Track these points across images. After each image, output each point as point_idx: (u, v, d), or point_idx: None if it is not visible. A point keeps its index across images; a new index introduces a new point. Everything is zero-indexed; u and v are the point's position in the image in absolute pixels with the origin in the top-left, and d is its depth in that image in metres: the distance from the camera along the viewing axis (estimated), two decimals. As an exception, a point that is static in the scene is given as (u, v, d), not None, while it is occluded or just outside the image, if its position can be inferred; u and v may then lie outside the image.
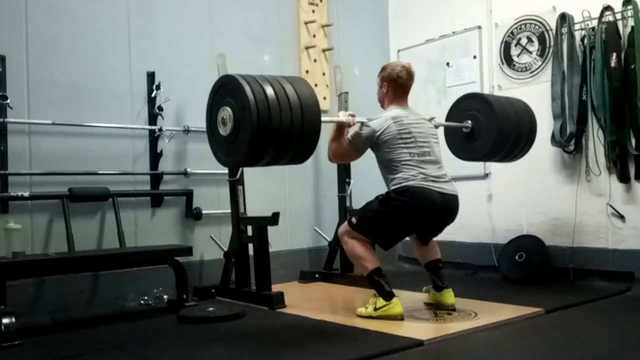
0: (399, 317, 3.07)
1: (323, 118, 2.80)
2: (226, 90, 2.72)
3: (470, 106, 3.69)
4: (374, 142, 3.17)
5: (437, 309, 3.29)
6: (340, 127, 3.21)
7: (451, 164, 4.73)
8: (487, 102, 3.63)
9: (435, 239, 3.46)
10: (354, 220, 3.20)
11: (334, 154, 3.31)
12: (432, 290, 3.39)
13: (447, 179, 3.21)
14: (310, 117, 2.66)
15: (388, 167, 3.17)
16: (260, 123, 2.53)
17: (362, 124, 3.20)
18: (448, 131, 3.80)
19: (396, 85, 3.30)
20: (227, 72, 3.91)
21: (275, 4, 4.79)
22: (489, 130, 3.57)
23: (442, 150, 3.42)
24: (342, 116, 3.21)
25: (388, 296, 3.09)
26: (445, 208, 3.17)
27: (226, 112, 2.67)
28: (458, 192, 3.25)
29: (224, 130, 2.69)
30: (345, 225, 3.28)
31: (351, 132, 3.21)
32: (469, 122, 3.66)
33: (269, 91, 2.59)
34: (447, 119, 3.78)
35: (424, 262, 3.39)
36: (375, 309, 3.09)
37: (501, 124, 3.54)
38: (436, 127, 3.43)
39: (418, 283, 3.68)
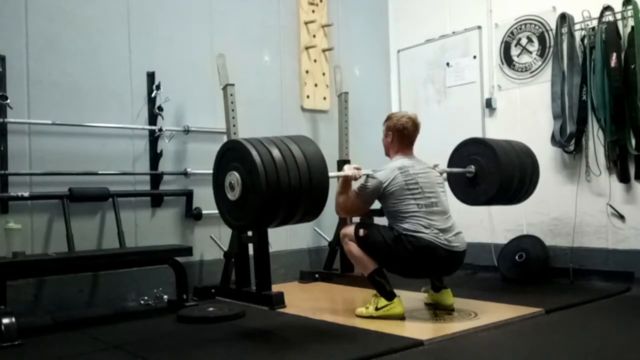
0: (401, 317, 3.07)
1: (330, 174, 2.80)
2: (232, 155, 2.74)
3: (472, 151, 3.73)
4: (381, 193, 3.14)
5: (437, 309, 3.29)
6: (347, 180, 3.19)
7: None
8: (488, 147, 3.65)
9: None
10: (361, 233, 3.15)
11: (342, 208, 3.30)
12: (430, 290, 3.39)
13: (456, 231, 3.17)
14: (318, 176, 2.68)
15: (395, 217, 3.14)
16: (269, 186, 2.54)
17: (368, 176, 3.18)
18: (451, 177, 3.82)
19: (402, 135, 3.29)
20: (227, 73, 3.92)
21: (275, 4, 4.79)
22: (492, 174, 3.60)
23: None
24: (348, 170, 3.17)
25: (389, 296, 3.09)
26: (451, 265, 3.17)
27: (234, 177, 2.68)
28: (466, 244, 3.20)
29: (232, 195, 2.70)
30: (350, 229, 3.23)
31: (357, 184, 3.20)
32: (472, 167, 3.70)
33: (276, 153, 2.61)
34: (449, 164, 3.80)
35: None
36: (377, 309, 3.09)
37: (504, 168, 3.57)
38: (440, 173, 3.42)
39: (418, 283, 3.68)
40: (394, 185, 3.12)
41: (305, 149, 2.70)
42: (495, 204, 3.86)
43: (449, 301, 3.27)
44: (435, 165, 3.43)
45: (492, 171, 3.60)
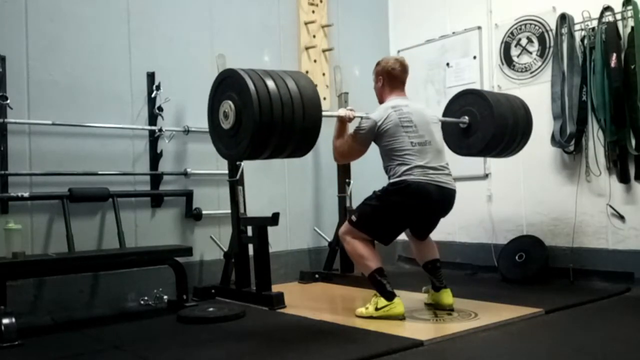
0: (401, 317, 3.07)
1: (323, 113, 2.81)
2: (228, 84, 2.74)
3: (467, 102, 3.71)
4: (376, 133, 3.17)
5: (437, 309, 3.29)
6: (342, 123, 3.24)
7: (451, 164, 4.75)
8: (483, 98, 3.64)
9: (435, 239, 3.46)
10: (353, 218, 3.21)
11: (339, 153, 3.32)
12: (431, 290, 3.39)
13: (446, 171, 3.21)
14: (312, 110, 2.68)
15: (389, 156, 3.17)
16: (262, 117, 2.55)
17: (362, 117, 3.22)
18: (445, 127, 3.81)
19: (391, 76, 3.32)
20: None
21: (275, 4, 4.79)
22: (485, 125, 3.59)
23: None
24: (342, 111, 3.25)
25: (390, 296, 3.09)
26: (441, 202, 3.18)
27: (228, 106, 2.69)
28: (456, 186, 3.25)
29: (225, 124, 2.72)
30: (346, 225, 3.28)
31: (352, 128, 3.22)
32: (466, 117, 3.68)
33: (271, 85, 2.61)
34: (444, 116, 3.79)
35: (422, 262, 3.39)
36: (377, 309, 3.09)
37: (498, 119, 3.55)
38: None
39: (418, 283, 3.68)
40: (388, 123, 3.14)
41: (300, 83, 2.70)
42: (487, 154, 3.85)
43: (448, 301, 3.27)
44: None
45: (485, 121, 3.58)
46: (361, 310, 3.17)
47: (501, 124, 3.57)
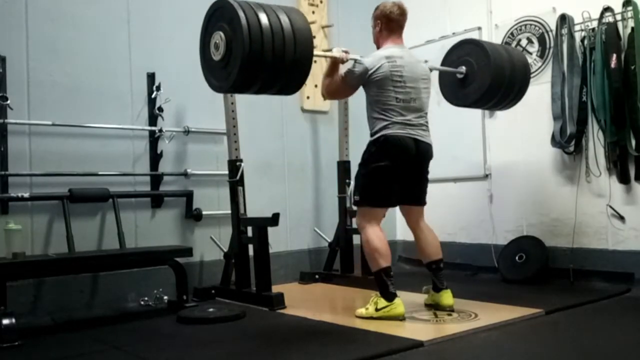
0: (401, 318, 3.07)
1: (315, 52, 2.81)
2: (219, 15, 2.73)
3: (465, 52, 3.69)
4: (366, 80, 3.20)
5: (437, 310, 3.29)
6: (334, 63, 3.27)
7: (451, 164, 4.76)
8: (481, 48, 3.61)
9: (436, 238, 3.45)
10: (357, 197, 3.27)
11: (327, 91, 3.36)
12: (431, 290, 3.39)
13: (424, 128, 3.28)
14: (303, 47, 2.67)
15: (373, 107, 3.23)
16: (252, 49, 2.54)
17: (356, 61, 3.23)
18: (443, 77, 3.82)
19: (389, 20, 3.33)
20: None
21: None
22: (482, 75, 3.56)
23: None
24: (336, 52, 3.25)
25: (391, 297, 3.08)
26: (419, 155, 3.24)
27: (219, 37, 2.69)
28: (432, 143, 3.31)
29: (216, 55, 2.72)
30: (359, 213, 3.32)
31: (344, 68, 3.25)
32: (463, 67, 3.67)
33: (263, 18, 2.60)
34: (442, 65, 3.79)
35: (426, 261, 3.39)
36: (377, 310, 3.09)
37: (495, 69, 3.52)
38: (430, 70, 3.46)
39: (418, 283, 3.68)
40: (379, 74, 3.16)
41: (294, 19, 2.69)
42: (482, 106, 3.82)
43: (449, 302, 3.27)
44: (426, 61, 3.45)
45: (482, 71, 3.56)
46: (361, 311, 3.17)
47: (498, 74, 3.53)
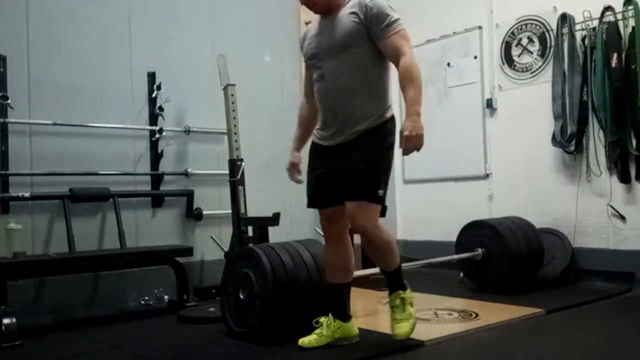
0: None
1: None
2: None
3: (478, 234, 3.86)
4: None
5: (438, 309, 3.28)
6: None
7: (451, 164, 4.76)
8: (492, 228, 3.79)
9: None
10: (381, 192, 2.55)
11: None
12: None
13: None
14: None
15: (384, 79, 2.73)
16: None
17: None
18: (462, 262, 3.95)
19: None
20: (228, 73, 3.92)
21: (275, 4, 4.79)
22: (501, 254, 3.73)
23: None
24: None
25: (406, 286, 2.75)
26: None
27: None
28: None
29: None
30: (370, 212, 2.57)
31: (402, 26, 2.87)
32: (479, 249, 3.82)
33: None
34: (456, 248, 3.92)
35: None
36: (412, 305, 2.68)
37: (511, 247, 3.71)
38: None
39: (418, 284, 3.67)
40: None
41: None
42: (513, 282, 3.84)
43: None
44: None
45: (500, 251, 3.73)
46: (406, 324, 2.62)
47: (515, 252, 3.72)
